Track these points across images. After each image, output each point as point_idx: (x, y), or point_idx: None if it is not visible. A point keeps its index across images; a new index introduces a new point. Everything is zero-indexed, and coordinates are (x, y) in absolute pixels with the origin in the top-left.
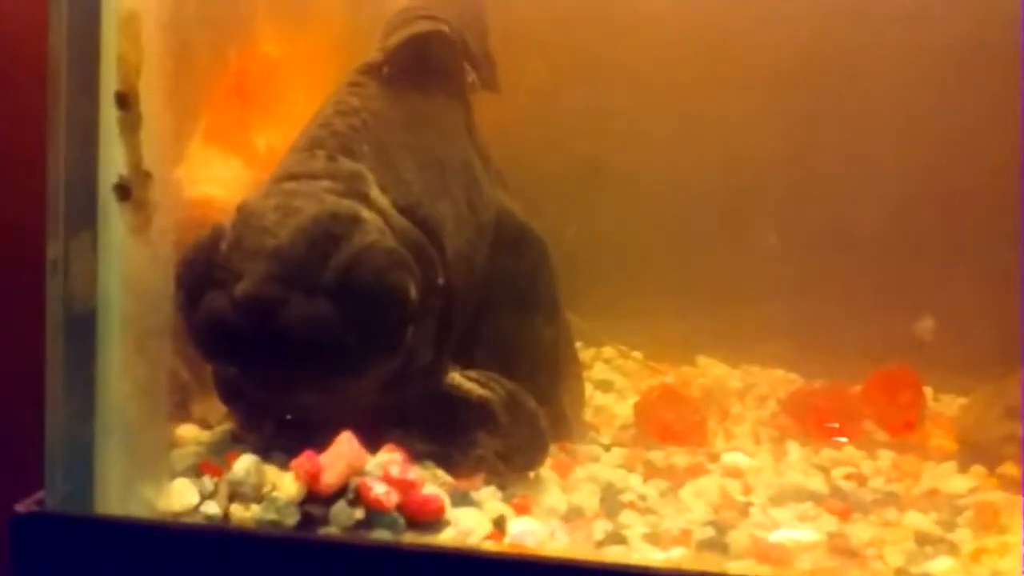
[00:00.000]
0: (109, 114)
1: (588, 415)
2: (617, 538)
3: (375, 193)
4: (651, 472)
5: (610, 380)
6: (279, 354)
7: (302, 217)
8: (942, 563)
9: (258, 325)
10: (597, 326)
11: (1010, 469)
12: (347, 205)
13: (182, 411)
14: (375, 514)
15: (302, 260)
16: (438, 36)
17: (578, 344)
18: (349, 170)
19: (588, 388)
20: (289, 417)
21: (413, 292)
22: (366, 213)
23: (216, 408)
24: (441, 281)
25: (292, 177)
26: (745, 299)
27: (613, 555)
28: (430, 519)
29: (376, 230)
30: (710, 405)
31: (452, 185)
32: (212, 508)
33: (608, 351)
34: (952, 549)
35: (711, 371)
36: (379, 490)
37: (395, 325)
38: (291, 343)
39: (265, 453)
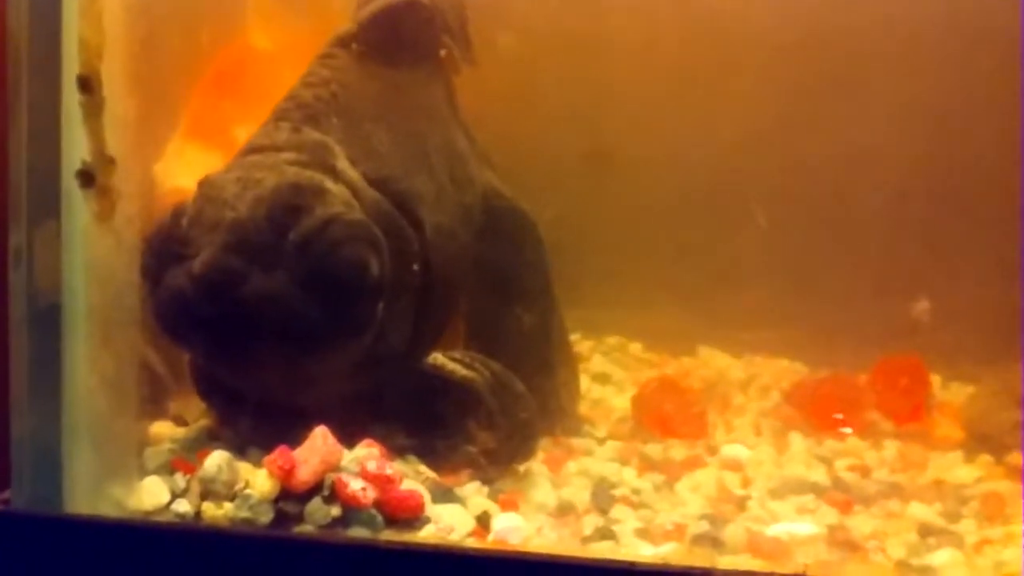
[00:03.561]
0: (71, 99)
1: (585, 408)
2: (606, 534)
3: (343, 165)
4: (646, 466)
5: (608, 372)
6: (236, 330)
7: (262, 189)
8: (944, 555)
9: (215, 300)
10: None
11: (1017, 458)
12: (309, 176)
13: (158, 408)
14: (352, 511)
15: (261, 232)
16: (413, 6)
17: (576, 335)
18: (314, 141)
19: (585, 381)
20: (266, 406)
21: (375, 266)
22: (331, 184)
23: (193, 405)
24: (417, 258)
25: (255, 150)
26: (748, 288)
27: (599, 551)
28: (409, 516)
29: (341, 202)
30: (711, 396)
31: (432, 160)
32: (184, 506)
33: (608, 342)
34: (955, 540)
35: (713, 361)
36: (355, 486)
37: (357, 299)
38: (248, 318)
39: (242, 449)
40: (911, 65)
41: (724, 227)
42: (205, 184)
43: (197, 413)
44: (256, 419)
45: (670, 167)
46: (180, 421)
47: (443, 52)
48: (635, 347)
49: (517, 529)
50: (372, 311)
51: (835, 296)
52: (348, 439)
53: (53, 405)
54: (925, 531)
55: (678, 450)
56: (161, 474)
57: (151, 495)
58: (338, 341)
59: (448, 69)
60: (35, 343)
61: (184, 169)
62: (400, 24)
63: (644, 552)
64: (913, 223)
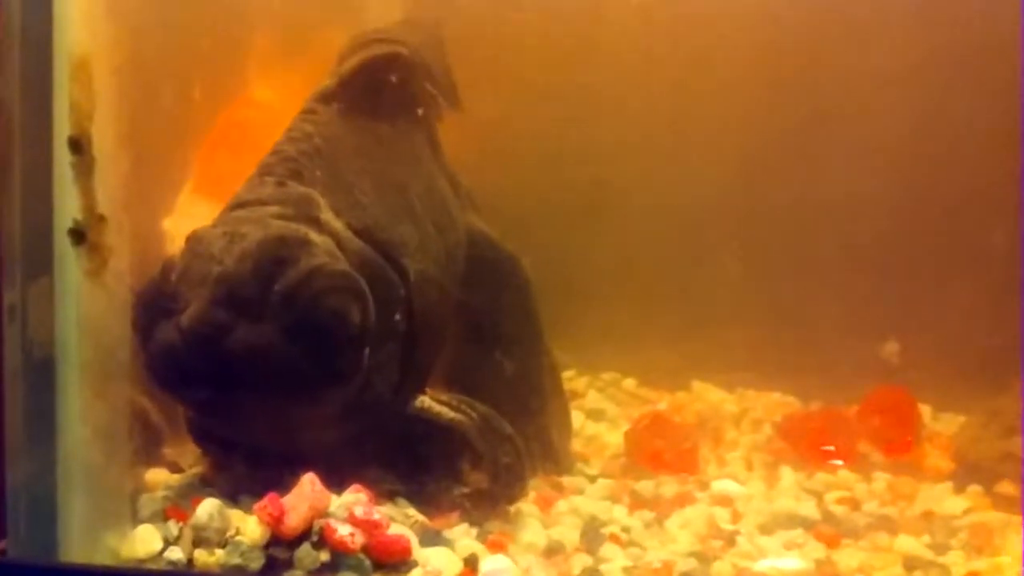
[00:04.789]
0: (63, 159)
1: (579, 445)
2: (594, 573)
3: (327, 216)
4: (637, 503)
5: (602, 409)
6: (226, 381)
7: (248, 242)
8: None
9: (204, 353)
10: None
11: (1007, 488)
12: (294, 228)
13: (154, 455)
14: (340, 556)
15: (248, 285)
16: (394, 58)
17: (571, 372)
18: (298, 194)
19: (580, 417)
20: (259, 453)
21: (356, 315)
22: (315, 236)
23: (188, 451)
24: (402, 305)
25: (241, 205)
26: (741, 323)
27: None
28: (396, 560)
29: (325, 253)
30: (703, 431)
31: (415, 208)
32: (176, 554)
33: (603, 379)
34: (942, 572)
35: (706, 396)
36: (343, 531)
37: (342, 348)
38: (236, 370)
39: (234, 496)
40: (900, 99)
41: (719, 264)
42: (192, 239)
43: (192, 459)
44: (250, 465)
45: (666, 207)
46: (175, 468)
47: (420, 111)
48: (630, 383)
49: (504, 570)
50: (357, 359)
51: (827, 329)
52: (339, 484)
53: (48, 456)
54: (911, 564)
55: (669, 486)
56: (155, 522)
57: (144, 543)
58: (325, 389)
59: (431, 115)
60: (30, 396)
61: (195, 224)
62: (380, 77)
63: None
64: (903, 257)
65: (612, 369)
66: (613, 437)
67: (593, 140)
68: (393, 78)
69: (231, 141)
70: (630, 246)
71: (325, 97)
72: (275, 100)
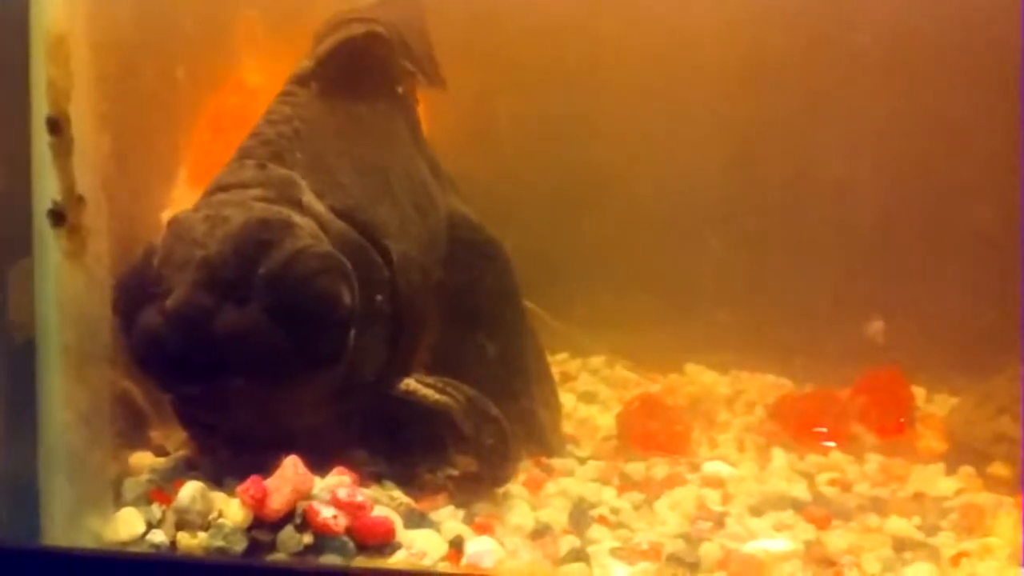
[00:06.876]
0: (41, 140)
1: (570, 428)
2: (581, 555)
3: (308, 198)
4: (627, 485)
5: (595, 391)
6: (213, 366)
7: (230, 226)
8: (919, 569)
9: (190, 338)
10: (584, 334)
11: (999, 469)
12: (277, 211)
13: (140, 438)
14: (324, 538)
15: (232, 268)
16: (372, 38)
17: (564, 355)
18: (280, 176)
19: (572, 400)
20: (246, 436)
21: (347, 296)
22: (298, 218)
23: (175, 434)
24: (385, 286)
25: (223, 188)
26: (736, 305)
27: (571, 573)
28: (380, 542)
29: (309, 235)
30: (696, 413)
31: (396, 189)
32: (159, 536)
33: (595, 361)
34: (932, 554)
35: (700, 378)
36: (326, 514)
37: (330, 330)
38: (222, 353)
39: (219, 479)
40: (891, 81)
41: (714, 245)
42: (174, 223)
43: (178, 442)
44: (236, 448)
45: (661, 189)
46: (160, 451)
47: (400, 89)
48: (623, 365)
49: (490, 552)
50: (344, 340)
51: (821, 312)
52: (327, 467)
53: (29, 440)
54: (901, 545)
55: (660, 468)
56: (139, 505)
57: (127, 526)
58: (313, 372)
59: (410, 96)
60: (10, 379)
61: None
62: (357, 57)
63: (617, 573)
64: (898, 240)
65: (605, 352)
66: (605, 419)
67: (584, 123)
68: (370, 57)
69: (228, 131)
70: (624, 228)
71: (303, 79)
72: (270, 86)
